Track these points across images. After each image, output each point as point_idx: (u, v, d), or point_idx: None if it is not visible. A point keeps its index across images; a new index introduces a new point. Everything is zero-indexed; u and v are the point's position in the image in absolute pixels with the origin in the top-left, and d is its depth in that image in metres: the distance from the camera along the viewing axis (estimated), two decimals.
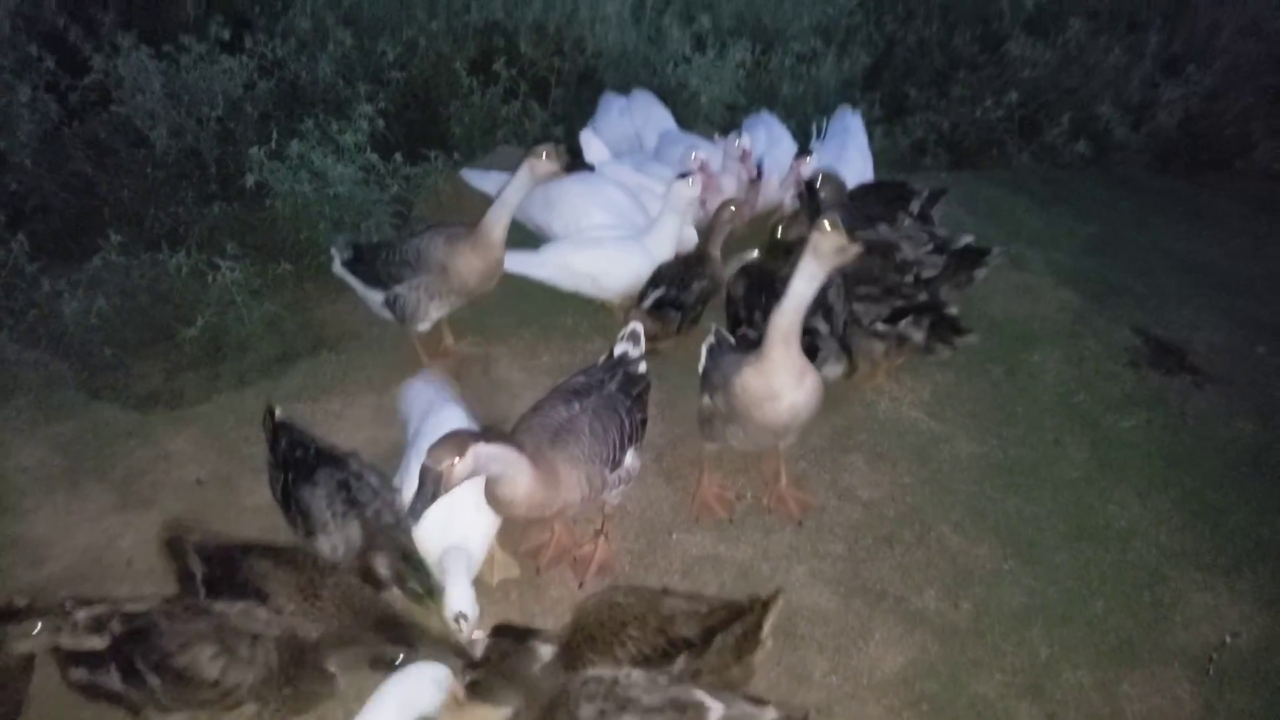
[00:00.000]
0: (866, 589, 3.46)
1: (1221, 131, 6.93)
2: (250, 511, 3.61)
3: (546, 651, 2.75)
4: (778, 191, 4.99)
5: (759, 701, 2.53)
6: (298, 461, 3.21)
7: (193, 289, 4.75)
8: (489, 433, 2.79)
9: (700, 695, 2.48)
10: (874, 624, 3.34)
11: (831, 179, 4.38)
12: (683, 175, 4.33)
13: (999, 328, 4.67)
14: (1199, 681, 3.24)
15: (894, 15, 7.79)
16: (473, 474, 2.66)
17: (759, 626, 2.71)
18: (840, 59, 6.95)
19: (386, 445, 3.77)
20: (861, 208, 4.26)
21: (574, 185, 4.56)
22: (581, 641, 2.75)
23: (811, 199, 4.18)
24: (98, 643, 2.62)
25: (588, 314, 4.62)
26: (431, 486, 2.58)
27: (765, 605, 2.73)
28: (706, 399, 3.45)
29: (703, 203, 4.42)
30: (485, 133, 6.25)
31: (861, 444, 4.02)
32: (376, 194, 5.27)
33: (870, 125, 6.46)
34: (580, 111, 6.40)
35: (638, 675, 2.54)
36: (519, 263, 4.31)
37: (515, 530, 3.47)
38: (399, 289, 3.95)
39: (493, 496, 2.88)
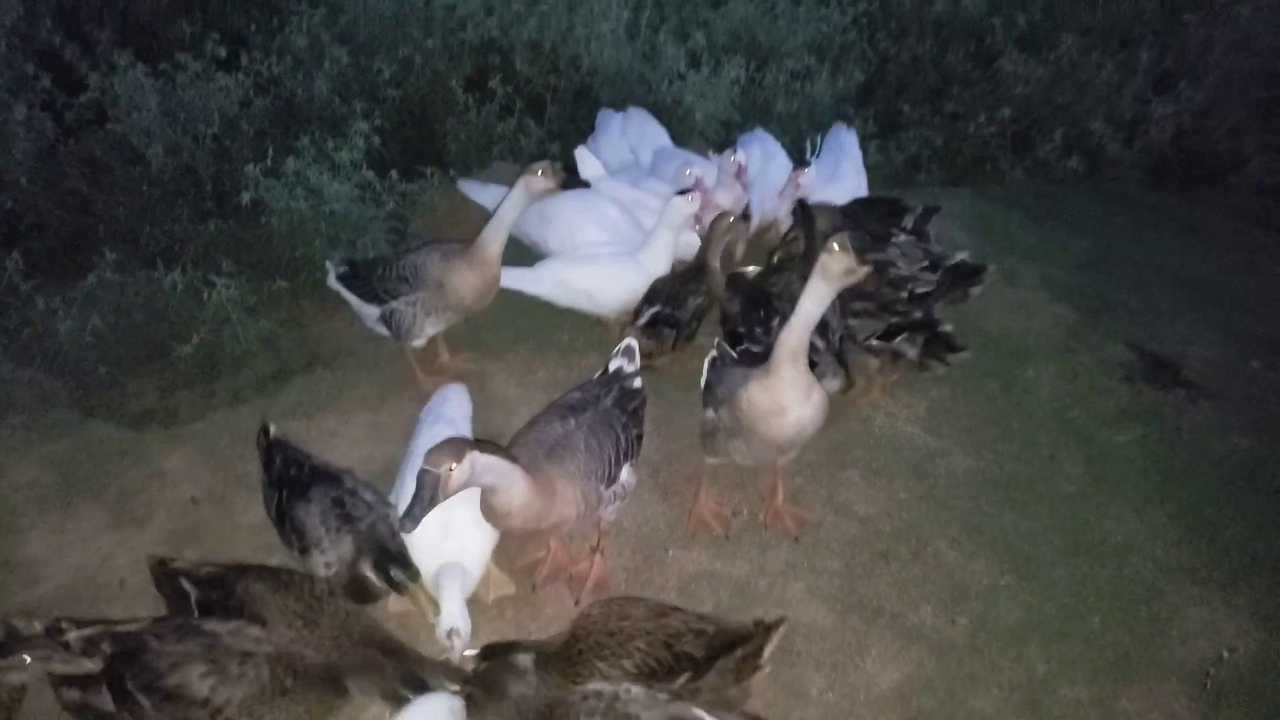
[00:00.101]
0: (863, 605, 3.45)
1: (1214, 147, 6.96)
2: (245, 530, 3.60)
3: (525, 660, 2.75)
4: (775, 205, 5.00)
5: None
6: (292, 479, 3.21)
7: (188, 306, 4.75)
8: (485, 443, 2.78)
9: (699, 713, 2.48)
10: (870, 640, 3.33)
11: (824, 208, 4.39)
12: (682, 192, 4.34)
13: (994, 343, 4.68)
14: (1196, 697, 3.24)
15: (887, 32, 7.84)
16: (470, 480, 2.65)
17: (760, 650, 2.72)
18: (834, 76, 6.99)
19: (382, 463, 3.77)
20: (857, 224, 4.27)
21: (570, 202, 4.58)
22: (588, 648, 2.75)
23: (805, 217, 4.19)
24: (90, 666, 2.61)
25: (584, 329, 4.62)
26: (429, 491, 2.57)
27: (768, 630, 2.73)
28: (710, 413, 3.44)
29: (698, 219, 4.43)
30: (481, 149, 6.27)
31: (858, 460, 4.02)
32: (372, 211, 5.28)
33: (864, 141, 6.48)
34: (576, 128, 6.43)
35: (638, 692, 2.54)
36: (515, 279, 4.32)
37: (511, 547, 3.46)
38: (395, 304, 3.96)
39: (488, 508, 2.88)
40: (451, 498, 2.64)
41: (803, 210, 4.21)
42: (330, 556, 3.08)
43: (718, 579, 3.50)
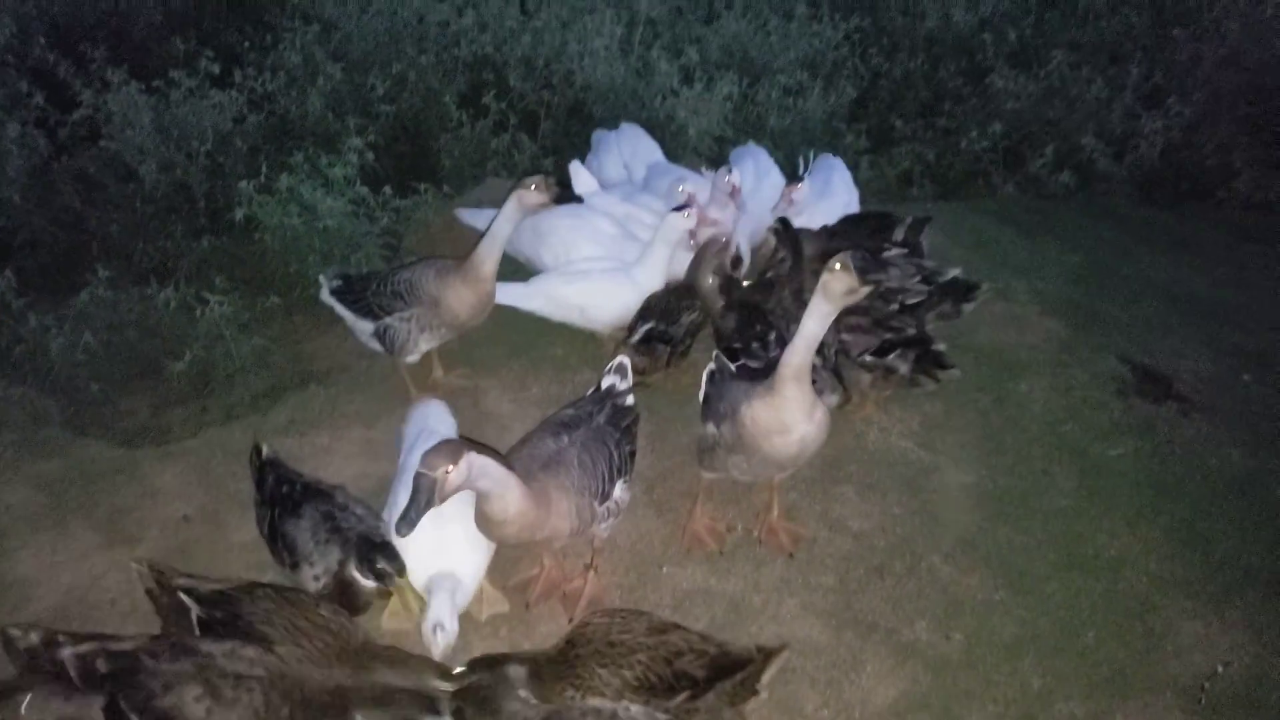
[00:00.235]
0: (858, 621, 3.45)
1: (1203, 162, 7.01)
2: (238, 548, 3.59)
3: (518, 672, 2.74)
4: (767, 219, 5.01)
5: None
6: (284, 497, 3.21)
7: (181, 323, 4.75)
8: (482, 446, 2.76)
9: None
10: (865, 656, 3.33)
11: (808, 233, 4.40)
12: (678, 208, 4.35)
13: (986, 357, 4.69)
14: (1191, 711, 3.23)
15: (879, 48, 7.89)
16: (466, 483, 2.64)
17: (759, 676, 2.72)
18: (827, 92, 7.03)
19: (375, 479, 3.76)
20: (846, 241, 4.28)
21: (564, 218, 4.59)
22: (589, 655, 2.74)
23: (788, 235, 4.20)
24: (98, 704, 2.57)
25: (577, 345, 4.63)
26: (426, 494, 2.56)
27: (769, 657, 2.73)
28: (710, 427, 3.42)
29: (693, 235, 4.43)
30: (475, 165, 6.28)
31: (851, 475, 4.02)
32: (366, 227, 5.28)
33: (857, 156, 6.55)
34: (570, 144, 6.45)
35: (637, 710, 2.55)
36: (508, 294, 4.32)
37: (504, 565, 3.45)
38: (389, 320, 3.96)
39: (483, 517, 2.87)
40: (446, 517, 2.64)
41: (785, 228, 4.22)
42: (319, 569, 3.08)
43: (712, 595, 3.50)
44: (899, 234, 4.45)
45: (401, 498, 2.79)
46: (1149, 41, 7.83)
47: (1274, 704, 3.28)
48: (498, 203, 3.90)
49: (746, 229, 4.77)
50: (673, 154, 5.82)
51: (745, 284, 4.35)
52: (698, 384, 3.66)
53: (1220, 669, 3.36)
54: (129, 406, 4.51)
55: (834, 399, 3.92)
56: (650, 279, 4.36)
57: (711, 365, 3.62)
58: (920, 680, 3.26)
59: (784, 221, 4.27)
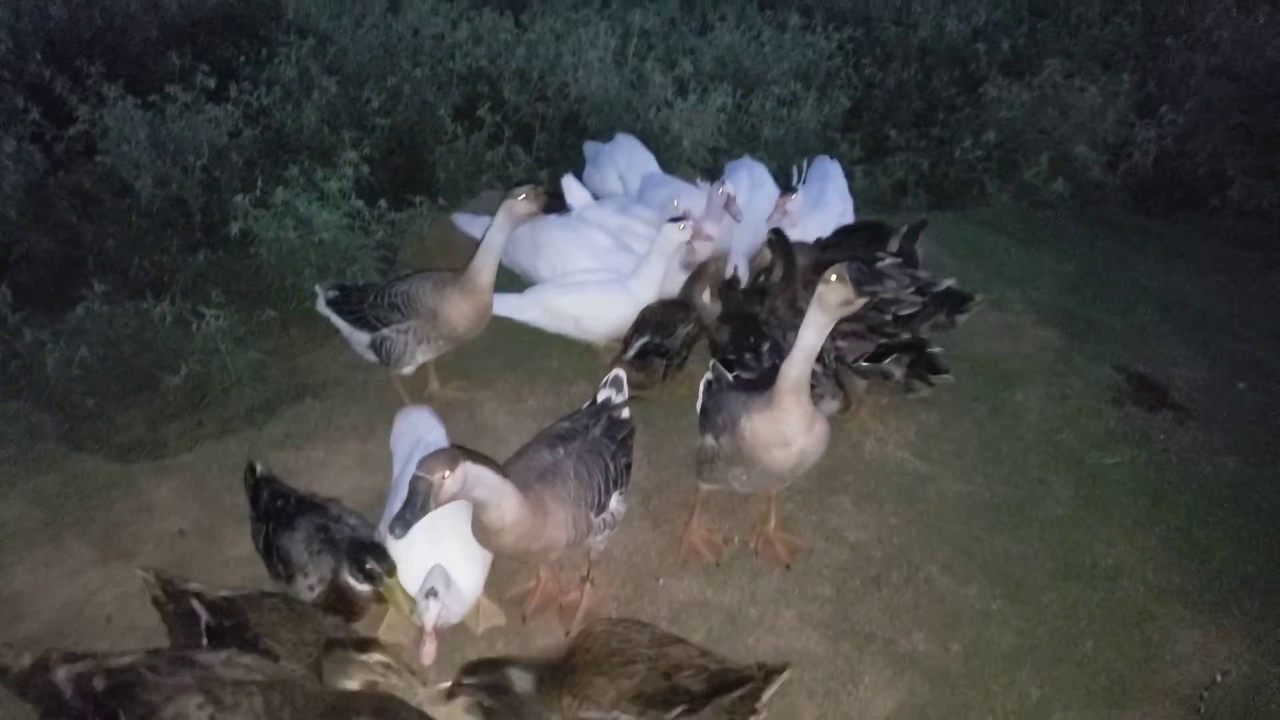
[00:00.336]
0: (855, 632, 3.44)
1: (1196, 170, 7.04)
2: (234, 562, 3.58)
3: (524, 679, 2.73)
4: (762, 231, 5.02)
5: None
6: (278, 511, 3.21)
7: (176, 337, 4.74)
8: (479, 455, 2.75)
9: None
10: (863, 667, 3.32)
11: (802, 246, 4.41)
12: (674, 220, 4.35)
13: (982, 367, 4.70)
14: None
15: (873, 58, 7.93)
16: (462, 490, 2.63)
17: (758, 694, 2.71)
18: (820, 102, 7.06)
19: (371, 493, 3.75)
20: (840, 252, 4.29)
21: (560, 231, 4.61)
22: (589, 662, 2.74)
23: (781, 246, 4.21)
24: None
25: (573, 357, 4.63)
26: (421, 498, 2.54)
27: (770, 675, 2.72)
28: (709, 439, 3.41)
29: (691, 248, 4.44)
30: (470, 178, 6.30)
31: (848, 485, 4.02)
32: (361, 240, 5.29)
33: (851, 166, 6.56)
34: (564, 156, 6.48)
35: None
36: (504, 305, 4.32)
37: (500, 579, 3.44)
38: (387, 332, 3.97)
39: (480, 526, 2.86)
40: (443, 532, 2.63)
41: (778, 239, 4.23)
42: (313, 579, 3.09)
43: (709, 607, 3.49)
44: (894, 244, 4.46)
45: (396, 508, 2.78)
46: (1141, 50, 7.88)
47: (1273, 713, 3.28)
48: (494, 213, 3.90)
49: (743, 243, 4.78)
50: (667, 165, 5.84)
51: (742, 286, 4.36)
52: (694, 395, 3.67)
53: (1218, 678, 3.36)
54: (125, 421, 4.50)
55: (835, 404, 3.93)
56: (646, 291, 4.37)
57: (709, 375, 3.62)
58: (918, 691, 3.26)
59: (778, 232, 4.28)
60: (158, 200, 5.66)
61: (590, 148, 5.83)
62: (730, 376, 3.63)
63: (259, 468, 3.40)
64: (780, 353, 3.80)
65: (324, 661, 2.74)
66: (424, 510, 2.56)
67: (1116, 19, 8.18)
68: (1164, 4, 8.34)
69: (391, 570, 2.97)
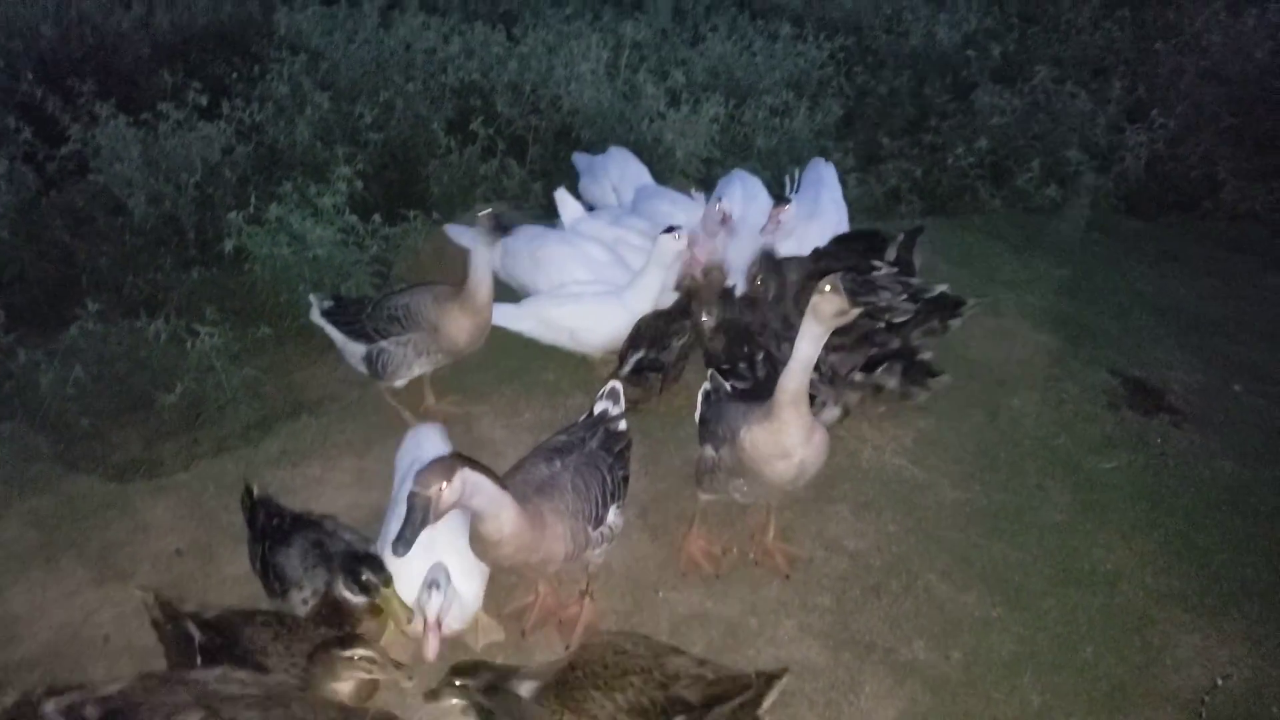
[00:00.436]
0: (855, 641, 3.44)
1: (1188, 174, 7.06)
2: (230, 581, 3.56)
3: (528, 688, 2.72)
4: (757, 243, 5.01)
5: None
6: (274, 529, 3.20)
7: (171, 355, 4.73)
8: (476, 463, 2.73)
9: None
10: (864, 677, 3.31)
11: (793, 259, 4.42)
12: (668, 230, 4.35)
13: (977, 373, 4.70)
14: None
15: (864, 67, 7.96)
16: (460, 500, 2.61)
17: (758, 701, 2.69)
18: (813, 110, 7.08)
19: (368, 509, 3.74)
20: (834, 263, 4.29)
21: (559, 246, 4.62)
22: (583, 677, 2.72)
23: (772, 267, 4.22)
24: None
25: (569, 369, 4.62)
26: (420, 512, 2.52)
27: (769, 681, 2.71)
28: (710, 450, 3.41)
29: (692, 258, 4.44)
30: (464, 191, 6.30)
31: (846, 494, 4.02)
32: (356, 255, 5.28)
33: (844, 174, 6.55)
34: (558, 168, 6.48)
35: None
36: (499, 316, 4.32)
37: (499, 593, 3.43)
38: (385, 344, 3.97)
39: (478, 538, 2.85)
40: (441, 548, 2.61)
41: (768, 261, 4.23)
42: (307, 592, 3.09)
43: (709, 619, 3.48)
44: (891, 252, 4.46)
45: (394, 527, 2.77)
46: (1131, 55, 7.92)
47: (1275, 716, 3.27)
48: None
49: (738, 255, 4.77)
50: (661, 176, 5.84)
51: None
52: (691, 405, 3.66)
53: (1219, 682, 3.35)
54: (120, 440, 4.49)
55: (835, 413, 3.92)
56: (641, 302, 4.37)
57: (707, 385, 3.62)
58: (919, 700, 3.25)
59: (767, 255, 4.28)
60: (151, 218, 5.66)
61: (581, 159, 5.83)
62: (728, 386, 3.63)
63: (256, 489, 3.40)
64: (774, 362, 3.81)
65: (313, 666, 2.73)
66: (424, 525, 2.54)
67: (1106, 24, 8.22)
68: (1153, 9, 8.38)
69: (388, 581, 2.95)
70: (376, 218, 5.48)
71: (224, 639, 2.87)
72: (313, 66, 6.83)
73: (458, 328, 3.92)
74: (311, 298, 4.18)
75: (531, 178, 6.50)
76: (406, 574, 3.02)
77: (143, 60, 7.12)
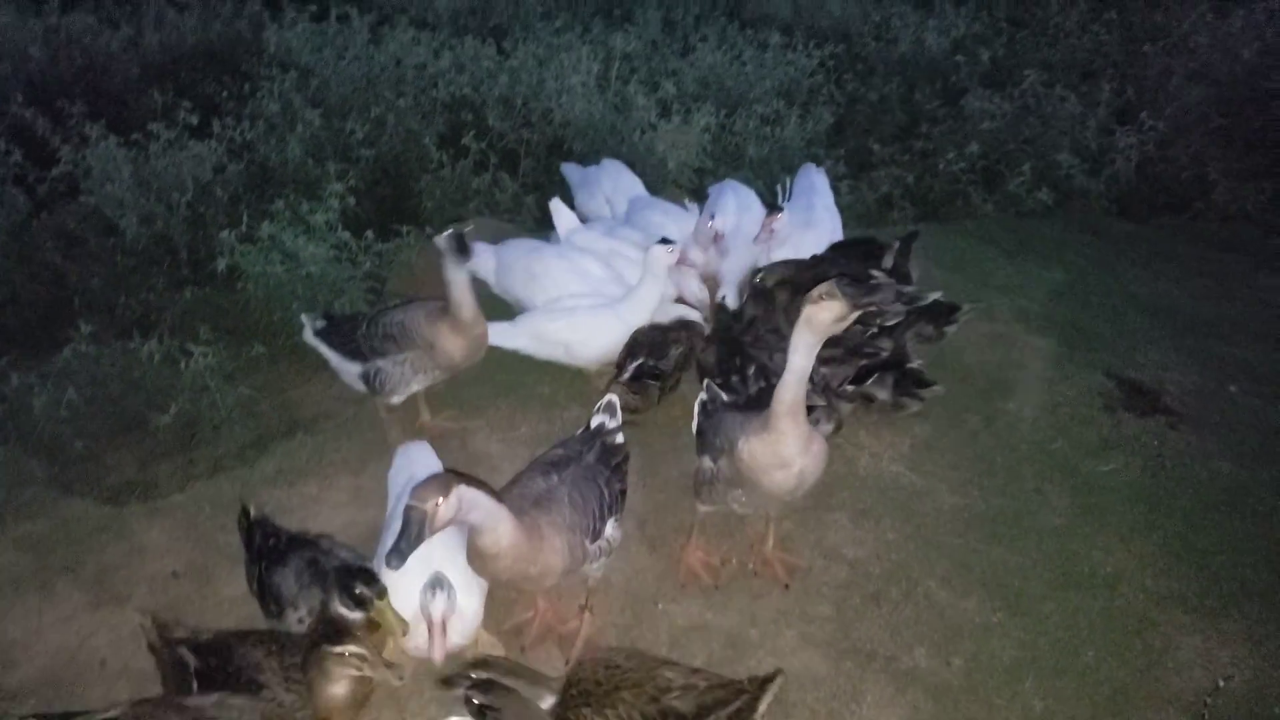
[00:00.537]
0: (856, 650, 3.42)
1: (1178, 175, 7.09)
2: (228, 602, 3.54)
3: (550, 702, 2.72)
4: (750, 253, 5.02)
5: None
6: (270, 549, 3.19)
7: (165, 376, 4.72)
8: (473, 478, 2.72)
9: None
10: (865, 685, 3.30)
11: (780, 269, 4.42)
12: (662, 241, 4.35)
13: (973, 378, 4.70)
14: None
15: (854, 74, 7.99)
16: (457, 515, 2.60)
17: (753, 706, 2.67)
18: (804, 119, 7.10)
19: (364, 527, 3.73)
20: (831, 267, 4.29)
21: (554, 260, 4.61)
22: (577, 695, 2.71)
23: (761, 295, 4.22)
24: None
25: (564, 382, 4.62)
26: (416, 527, 2.52)
27: (763, 685, 2.69)
28: (708, 462, 3.39)
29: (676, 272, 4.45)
30: (457, 205, 6.31)
31: (844, 502, 4.01)
32: (349, 271, 5.28)
33: (836, 181, 6.58)
34: (550, 181, 6.49)
35: None
36: (493, 334, 4.30)
37: (498, 609, 3.42)
38: (381, 363, 3.94)
39: (475, 552, 2.83)
40: (438, 563, 2.60)
41: (756, 291, 4.24)
42: (302, 611, 3.08)
43: (709, 631, 3.47)
44: (888, 261, 4.45)
45: (390, 543, 2.76)
46: (1120, 58, 7.95)
47: (1277, 717, 3.26)
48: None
49: (732, 267, 4.77)
50: (653, 187, 5.85)
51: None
52: (687, 416, 3.65)
53: (1221, 683, 3.34)
54: (114, 462, 4.47)
55: (829, 427, 3.91)
56: (636, 315, 4.36)
57: (703, 395, 3.61)
58: (921, 708, 3.24)
59: (755, 286, 4.28)
60: (143, 238, 5.66)
61: (574, 171, 5.83)
62: (724, 396, 3.62)
63: (253, 509, 3.38)
64: (766, 374, 3.80)
65: (308, 671, 2.72)
66: (419, 539, 2.53)
67: (1094, 27, 8.26)
68: (1141, 11, 8.43)
69: (382, 593, 2.92)
70: (369, 234, 5.48)
71: (219, 660, 2.86)
72: (303, 83, 6.85)
73: (453, 345, 3.90)
74: (303, 318, 4.16)
75: (524, 191, 6.51)
76: (403, 588, 3.00)
77: (132, 80, 7.14)
